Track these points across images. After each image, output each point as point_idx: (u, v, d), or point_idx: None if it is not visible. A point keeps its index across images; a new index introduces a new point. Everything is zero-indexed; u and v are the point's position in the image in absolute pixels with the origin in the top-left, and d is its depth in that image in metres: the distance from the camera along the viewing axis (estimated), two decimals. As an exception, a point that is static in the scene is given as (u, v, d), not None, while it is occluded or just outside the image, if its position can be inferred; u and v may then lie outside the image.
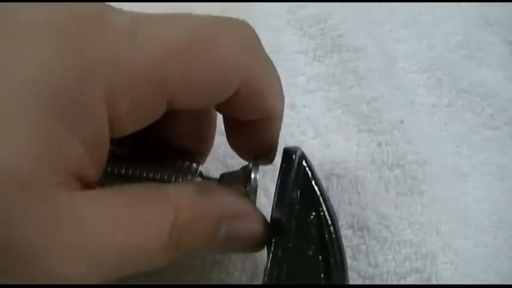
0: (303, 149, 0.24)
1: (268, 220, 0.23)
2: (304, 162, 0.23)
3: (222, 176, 0.25)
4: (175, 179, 0.24)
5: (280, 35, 0.36)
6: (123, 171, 0.23)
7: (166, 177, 0.24)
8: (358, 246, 0.29)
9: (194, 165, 0.25)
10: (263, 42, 0.22)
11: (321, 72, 0.34)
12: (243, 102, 0.21)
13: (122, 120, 0.19)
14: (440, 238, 0.29)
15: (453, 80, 0.36)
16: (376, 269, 0.28)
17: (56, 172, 0.17)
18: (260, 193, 0.29)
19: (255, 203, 0.24)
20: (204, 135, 0.26)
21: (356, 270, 0.28)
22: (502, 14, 0.39)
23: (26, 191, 0.16)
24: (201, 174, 0.25)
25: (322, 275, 0.22)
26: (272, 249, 0.22)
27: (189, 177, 0.24)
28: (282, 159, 0.24)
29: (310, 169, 0.23)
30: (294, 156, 0.23)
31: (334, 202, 0.28)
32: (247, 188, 0.24)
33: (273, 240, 0.22)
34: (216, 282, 0.28)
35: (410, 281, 0.28)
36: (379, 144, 0.32)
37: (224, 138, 0.25)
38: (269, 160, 0.25)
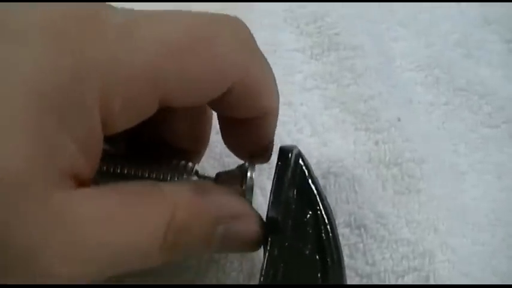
0: (299, 147, 0.24)
1: (265, 219, 0.23)
2: (300, 161, 0.23)
3: (218, 175, 0.25)
4: (170, 178, 0.24)
5: (277, 33, 0.36)
6: (118, 170, 0.23)
7: (161, 176, 0.24)
8: (355, 245, 0.29)
9: (190, 164, 0.24)
10: (260, 41, 0.22)
11: (318, 70, 0.34)
12: (238, 100, 0.21)
13: (115, 118, 0.19)
14: (437, 236, 0.29)
15: (451, 78, 0.36)
16: (373, 267, 0.28)
17: (50, 171, 0.17)
18: (257, 191, 0.29)
19: (251, 202, 0.24)
20: (199, 134, 0.26)
21: (353, 269, 0.28)
22: (501, 13, 0.39)
23: (22, 191, 0.16)
24: (196, 173, 0.25)
25: (319, 274, 0.22)
26: (268, 248, 0.22)
27: (184, 176, 0.24)
28: (278, 158, 0.23)
29: (307, 167, 0.23)
30: (290, 154, 0.23)
31: (331, 200, 0.28)
32: (243, 187, 0.24)
33: (269, 239, 0.22)
34: (212, 281, 0.28)
35: (408, 279, 0.28)
36: (377, 143, 0.32)
37: (221, 137, 0.25)
38: (265, 159, 0.25)
